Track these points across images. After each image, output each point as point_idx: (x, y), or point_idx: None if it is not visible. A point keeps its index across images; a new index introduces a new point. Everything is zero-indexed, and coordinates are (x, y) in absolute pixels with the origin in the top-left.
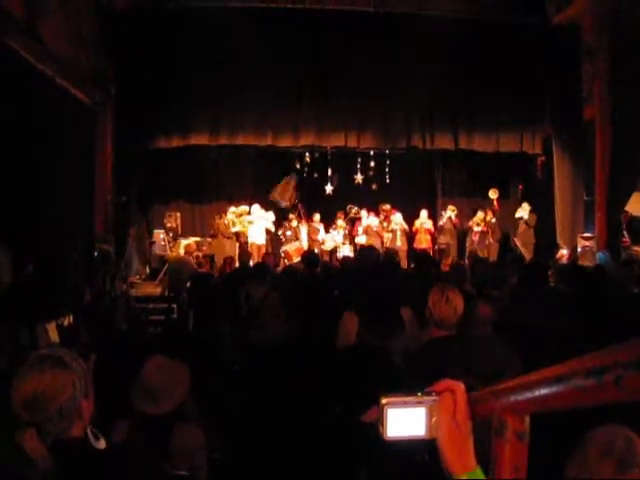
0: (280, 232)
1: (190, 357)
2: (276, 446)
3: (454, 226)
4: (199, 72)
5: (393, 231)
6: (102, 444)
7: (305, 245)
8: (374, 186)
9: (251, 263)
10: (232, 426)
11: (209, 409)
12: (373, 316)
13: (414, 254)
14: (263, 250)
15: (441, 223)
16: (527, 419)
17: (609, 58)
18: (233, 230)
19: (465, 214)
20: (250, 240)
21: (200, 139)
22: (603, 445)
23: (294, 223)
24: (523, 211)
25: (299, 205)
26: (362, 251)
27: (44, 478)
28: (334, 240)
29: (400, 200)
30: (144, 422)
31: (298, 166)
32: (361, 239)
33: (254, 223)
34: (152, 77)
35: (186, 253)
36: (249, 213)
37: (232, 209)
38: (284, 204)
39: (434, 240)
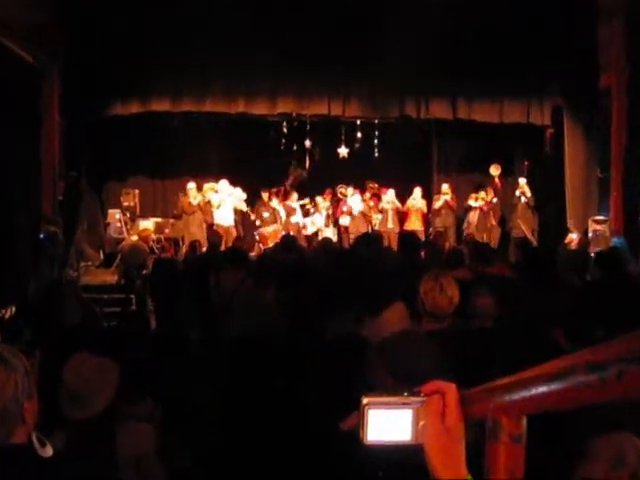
0: (254, 213)
1: (151, 354)
2: (252, 452)
3: (451, 209)
4: (161, 27)
5: (384, 211)
6: (48, 451)
7: (281, 227)
8: (361, 161)
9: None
10: (204, 431)
11: (176, 413)
12: (331, 301)
13: (400, 236)
14: (232, 232)
15: (437, 206)
16: (524, 420)
17: (627, 21)
18: (195, 203)
19: (463, 193)
20: (216, 221)
21: (161, 105)
22: (614, 455)
23: (273, 202)
24: (520, 189)
25: (282, 186)
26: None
27: None
28: (314, 224)
29: (391, 177)
30: (76, 428)
31: (274, 137)
32: (345, 221)
33: (222, 203)
34: (106, 34)
35: (141, 239)
36: (216, 191)
37: (190, 185)
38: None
39: (427, 222)
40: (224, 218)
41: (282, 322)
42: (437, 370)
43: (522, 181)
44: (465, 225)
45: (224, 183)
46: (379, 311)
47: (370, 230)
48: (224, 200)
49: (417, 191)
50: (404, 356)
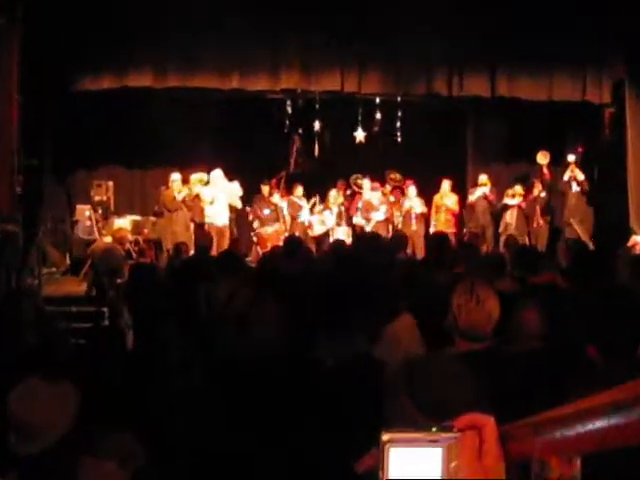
0: (252, 210)
1: (126, 378)
2: None
3: (489, 203)
4: None
5: (407, 210)
6: None
7: (284, 227)
8: (380, 147)
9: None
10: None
11: (155, 449)
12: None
13: (428, 237)
14: (225, 233)
15: (472, 200)
16: (578, 461)
17: None
18: (179, 197)
19: (504, 186)
20: (208, 220)
21: (141, 79)
22: None
23: (275, 198)
24: (571, 172)
25: (283, 174)
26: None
27: None
28: (324, 223)
29: (416, 166)
30: (29, 465)
31: (276, 118)
32: (360, 220)
33: (215, 198)
34: None
35: (115, 241)
36: (207, 183)
37: (174, 176)
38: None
39: (459, 222)
40: (217, 216)
41: (283, 343)
42: (472, 400)
43: (571, 158)
44: (502, 227)
45: (218, 174)
46: (382, 324)
47: (392, 231)
48: (217, 194)
49: (445, 185)
50: (432, 383)
